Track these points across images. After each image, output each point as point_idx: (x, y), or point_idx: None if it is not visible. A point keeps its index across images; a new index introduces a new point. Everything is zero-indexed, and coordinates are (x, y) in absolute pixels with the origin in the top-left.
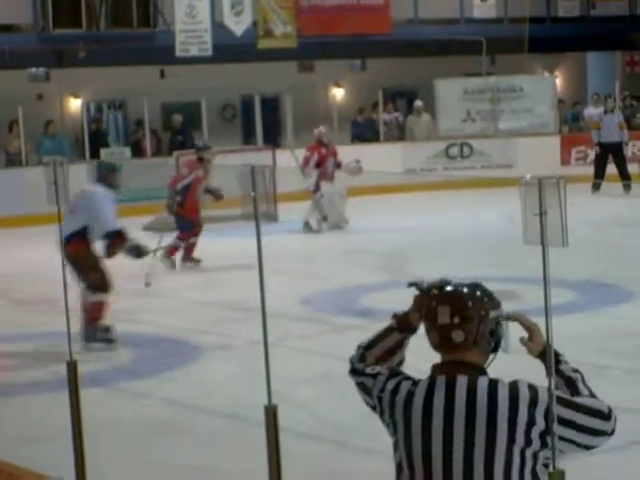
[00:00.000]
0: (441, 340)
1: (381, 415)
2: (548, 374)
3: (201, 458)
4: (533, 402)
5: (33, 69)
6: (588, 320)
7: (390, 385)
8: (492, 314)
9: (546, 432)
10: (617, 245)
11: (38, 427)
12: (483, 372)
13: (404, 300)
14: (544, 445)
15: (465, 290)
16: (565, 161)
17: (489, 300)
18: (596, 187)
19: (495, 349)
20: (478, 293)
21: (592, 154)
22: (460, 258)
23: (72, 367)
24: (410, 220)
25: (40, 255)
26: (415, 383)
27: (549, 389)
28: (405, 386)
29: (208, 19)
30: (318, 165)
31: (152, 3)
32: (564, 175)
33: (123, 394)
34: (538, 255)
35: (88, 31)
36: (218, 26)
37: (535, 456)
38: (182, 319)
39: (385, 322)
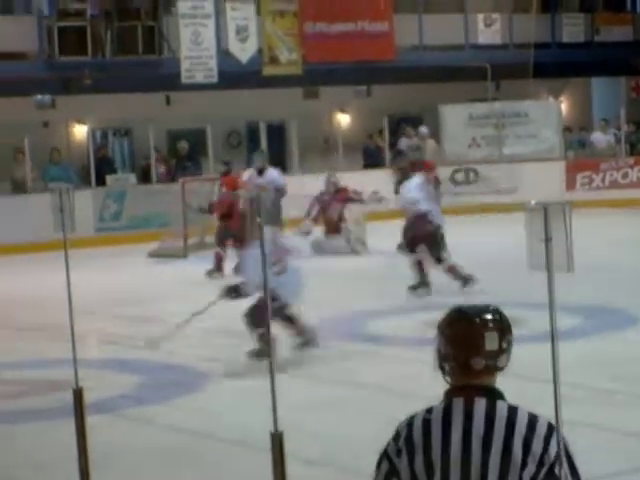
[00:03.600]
0: (486, 366)
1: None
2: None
3: None
4: (548, 438)
5: (39, 96)
6: (594, 345)
7: (403, 431)
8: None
9: (550, 473)
10: (623, 270)
11: (44, 454)
12: (501, 396)
13: (409, 325)
14: None
15: (501, 312)
16: (570, 186)
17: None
18: None
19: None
20: (503, 314)
21: (597, 179)
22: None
23: (78, 394)
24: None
25: (45, 282)
26: (429, 410)
27: (556, 420)
28: (419, 417)
29: (214, 46)
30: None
31: (157, 30)
32: (569, 200)
33: (129, 421)
34: (543, 280)
35: (94, 58)
36: (223, 53)
37: None
38: (188, 345)
39: (393, 347)
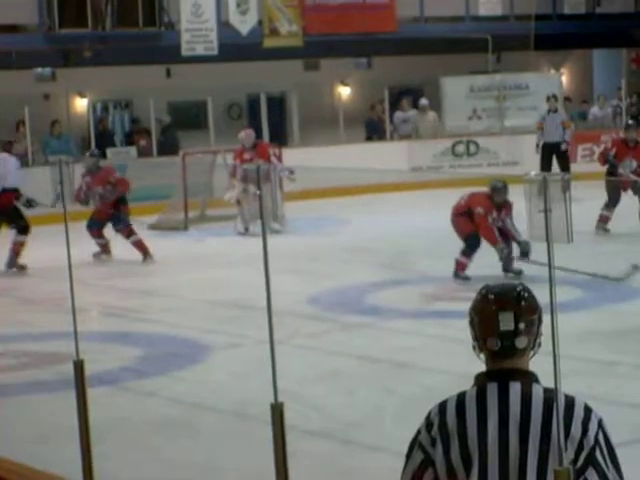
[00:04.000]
0: (503, 347)
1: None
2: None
3: (208, 456)
4: (586, 421)
5: (39, 69)
6: (594, 317)
7: (435, 419)
8: (542, 315)
9: (589, 457)
10: (622, 241)
11: (45, 427)
12: (536, 379)
13: (409, 298)
14: (584, 468)
15: (521, 293)
16: (571, 158)
17: (537, 300)
18: None
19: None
20: (530, 294)
21: (598, 151)
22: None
23: (79, 366)
24: (416, 218)
25: (46, 254)
26: (461, 396)
27: (555, 390)
28: (451, 404)
29: (214, 18)
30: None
31: (158, 2)
32: (570, 173)
33: (130, 393)
34: (544, 251)
35: (94, 31)
36: (224, 25)
37: (578, 475)
38: (189, 318)
39: (391, 320)
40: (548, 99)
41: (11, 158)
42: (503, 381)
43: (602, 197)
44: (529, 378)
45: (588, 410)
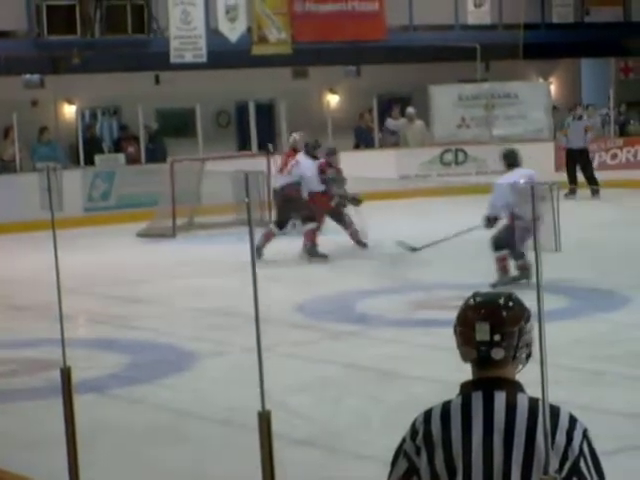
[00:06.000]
0: (479, 357)
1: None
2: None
3: (195, 464)
4: (570, 431)
5: (28, 75)
6: (581, 326)
7: (420, 428)
8: (528, 326)
9: (573, 467)
10: (610, 250)
11: (32, 433)
12: (521, 389)
13: (397, 306)
14: (568, 478)
15: (504, 304)
16: (560, 167)
17: (524, 311)
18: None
19: (527, 359)
20: (515, 306)
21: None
22: (452, 264)
23: (66, 373)
24: (405, 226)
25: (34, 261)
26: (446, 405)
27: (543, 402)
28: (436, 412)
29: (203, 25)
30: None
31: (146, 9)
32: (556, 181)
33: (117, 400)
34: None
35: (83, 37)
36: (213, 32)
37: None
38: (176, 325)
39: (378, 328)
40: (574, 107)
41: (307, 161)
42: (488, 390)
43: (590, 206)
44: (514, 387)
45: (573, 420)
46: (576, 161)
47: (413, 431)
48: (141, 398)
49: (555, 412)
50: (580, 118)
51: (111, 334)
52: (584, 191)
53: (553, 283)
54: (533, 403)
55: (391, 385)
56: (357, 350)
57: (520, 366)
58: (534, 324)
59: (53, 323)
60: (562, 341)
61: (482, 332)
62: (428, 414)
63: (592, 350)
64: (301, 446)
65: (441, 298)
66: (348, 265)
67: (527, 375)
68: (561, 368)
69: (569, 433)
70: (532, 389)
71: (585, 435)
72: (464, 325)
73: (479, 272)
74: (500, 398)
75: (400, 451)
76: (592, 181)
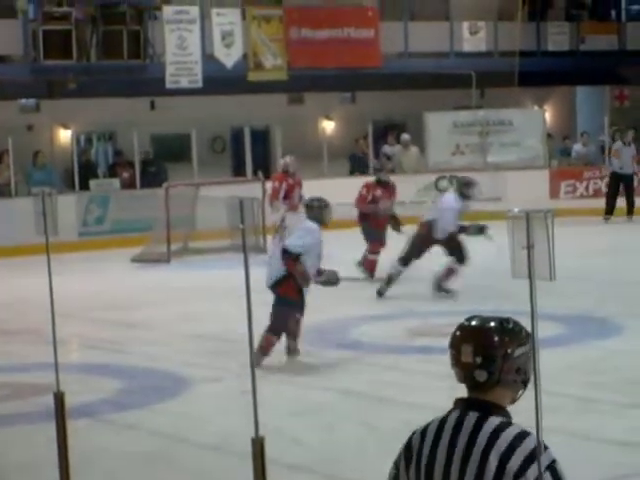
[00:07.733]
0: (464, 378)
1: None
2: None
3: None
4: (529, 459)
5: (23, 100)
6: (575, 353)
7: (410, 439)
8: (518, 351)
9: None
10: (604, 278)
11: (25, 458)
12: (500, 412)
13: (393, 333)
14: None
15: (491, 327)
16: (554, 194)
17: (515, 337)
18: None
19: (524, 385)
20: (504, 330)
21: (581, 188)
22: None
23: (59, 398)
24: (399, 253)
25: (28, 286)
26: (432, 421)
27: (537, 428)
28: (421, 427)
29: (199, 51)
30: (285, 197)
31: (143, 35)
32: (551, 209)
33: (110, 426)
34: (526, 288)
35: (79, 62)
36: (208, 58)
37: None
38: (170, 351)
39: (373, 355)
40: (625, 131)
41: (450, 196)
42: (464, 410)
43: (585, 234)
44: (489, 410)
45: (541, 449)
46: (619, 186)
47: (406, 443)
48: (134, 424)
49: (519, 436)
50: (629, 144)
51: (105, 359)
52: (585, 218)
53: (547, 311)
54: (501, 426)
55: (386, 412)
56: (353, 376)
57: (520, 391)
58: (530, 349)
59: (46, 347)
60: (555, 368)
61: (465, 354)
62: (420, 428)
63: (585, 378)
64: (296, 472)
65: (437, 325)
66: (342, 292)
67: (520, 401)
68: (554, 395)
69: (526, 461)
70: (525, 415)
71: (550, 467)
72: (452, 346)
73: (476, 299)
74: (471, 419)
75: (394, 461)
76: (632, 206)
